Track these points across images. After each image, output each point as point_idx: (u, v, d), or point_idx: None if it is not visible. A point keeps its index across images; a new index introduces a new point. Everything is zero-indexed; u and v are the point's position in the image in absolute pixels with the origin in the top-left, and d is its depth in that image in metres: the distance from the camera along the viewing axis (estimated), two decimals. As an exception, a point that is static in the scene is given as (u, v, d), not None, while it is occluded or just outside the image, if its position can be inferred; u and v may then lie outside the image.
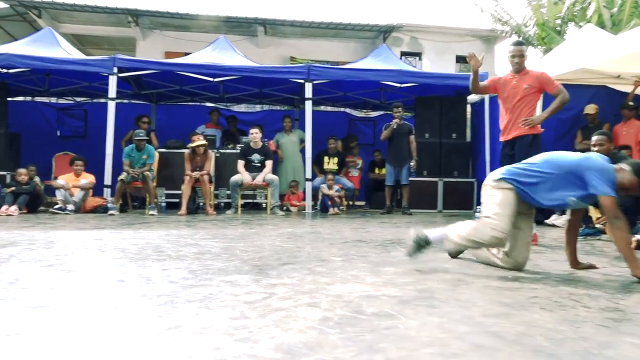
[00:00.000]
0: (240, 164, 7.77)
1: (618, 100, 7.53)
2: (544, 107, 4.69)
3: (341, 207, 8.33)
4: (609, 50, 6.08)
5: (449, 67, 15.17)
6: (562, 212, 6.29)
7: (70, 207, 7.19)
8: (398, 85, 9.00)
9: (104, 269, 2.85)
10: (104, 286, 2.39)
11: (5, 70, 7.84)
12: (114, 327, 1.74)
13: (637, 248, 4.13)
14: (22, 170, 7.27)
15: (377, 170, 9.57)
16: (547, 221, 6.30)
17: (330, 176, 8.22)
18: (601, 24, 11.80)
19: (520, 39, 14.38)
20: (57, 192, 7.28)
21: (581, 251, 4.00)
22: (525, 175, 2.99)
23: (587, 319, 1.94)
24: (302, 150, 8.69)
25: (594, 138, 4.92)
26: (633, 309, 2.11)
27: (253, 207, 8.68)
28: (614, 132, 7.16)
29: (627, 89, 7.65)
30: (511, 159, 4.39)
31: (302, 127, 8.72)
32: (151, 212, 7.05)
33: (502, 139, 4.75)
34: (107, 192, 7.55)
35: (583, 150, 6.90)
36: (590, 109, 7.17)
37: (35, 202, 7.41)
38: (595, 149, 4.87)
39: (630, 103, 7.11)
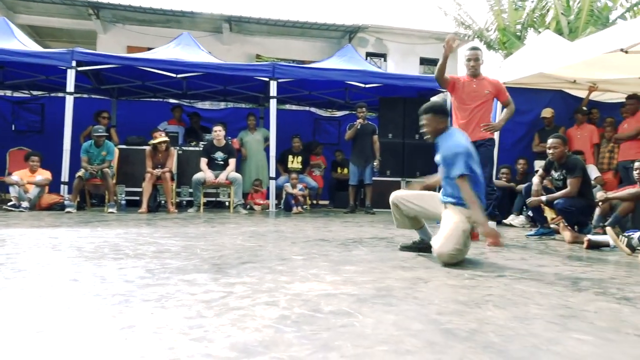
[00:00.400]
0: (203, 161, 7.67)
1: (574, 105, 7.80)
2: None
3: (305, 206, 8.34)
4: (565, 56, 6.28)
5: (413, 69, 15.38)
6: (519, 213, 6.47)
7: (25, 204, 6.96)
8: (363, 85, 9.07)
9: (58, 268, 2.77)
10: (56, 286, 2.32)
11: (-44, 61, 7.51)
12: (65, 328, 1.69)
13: (588, 247, 4.29)
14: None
15: (339, 170, 9.62)
16: (504, 221, 6.47)
17: (294, 175, 8.22)
18: (559, 31, 12.20)
19: (481, 43, 14.72)
20: (11, 189, 7.02)
21: (535, 250, 4.13)
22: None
23: (538, 316, 2.00)
24: (267, 149, 8.66)
25: (549, 141, 5.09)
26: (581, 306, 2.19)
27: (216, 206, 8.59)
28: (568, 135, 7.42)
29: (582, 94, 7.94)
30: None
31: (267, 126, 8.68)
32: (110, 210, 6.89)
33: None
34: (64, 189, 7.34)
35: (540, 153, 7.13)
36: (547, 112, 7.40)
37: (-13, 199, 7.14)
38: (550, 151, 5.04)
39: (584, 108, 7.37)
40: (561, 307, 2.16)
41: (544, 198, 5.05)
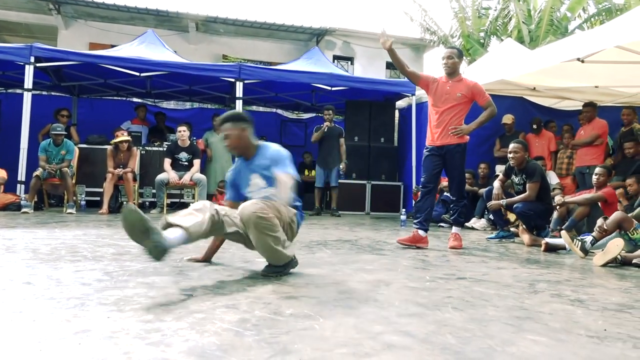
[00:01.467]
0: (167, 162, 7.54)
1: (533, 111, 8.03)
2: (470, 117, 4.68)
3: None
4: (525, 63, 6.46)
5: (380, 73, 15.51)
6: (481, 216, 6.61)
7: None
8: (329, 88, 9.09)
9: (11, 270, 2.67)
10: (8, 288, 2.24)
11: None
12: (16, 332, 1.63)
13: (545, 250, 4.42)
14: None
15: (306, 172, 9.61)
16: (467, 224, 6.59)
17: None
18: (520, 39, 12.54)
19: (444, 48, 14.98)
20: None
21: (495, 253, 4.23)
22: None
23: (494, 318, 2.04)
24: (232, 150, 8.57)
25: (510, 146, 5.22)
26: (536, 308, 2.25)
27: (180, 207, 8.44)
28: (527, 140, 7.64)
29: (542, 100, 8.19)
30: (434, 164, 4.49)
31: (233, 127, 8.59)
32: (69, 211, 6.70)
33: (428, 142, 4.61)
34: (20, 188, 7.09)
35: (501, 158, 7.31)
36: (508, 118, 7.58)
37: (-62, 198, 6.83)
38: (510, 156, 5.17)
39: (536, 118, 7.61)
40: (517, 308, 2.22)
41: (503, 202, 5.17)
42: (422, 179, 4.62)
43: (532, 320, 2.04)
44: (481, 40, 14.61)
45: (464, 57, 14.72)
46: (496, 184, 5.35)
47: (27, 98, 7.21)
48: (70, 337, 1.60)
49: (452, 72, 4.51)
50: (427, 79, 4.62)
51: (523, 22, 13.34)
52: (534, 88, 7.70)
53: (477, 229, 6.52)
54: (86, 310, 1.93)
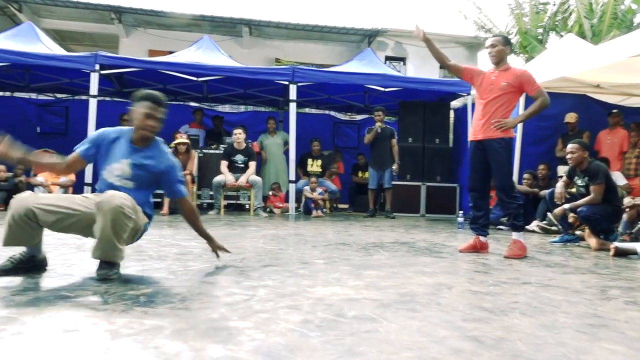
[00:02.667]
0: (224, 164, 7.72)
1: (597, 109, 7.68)
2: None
3: (324, 210, 8.33)
4: (588, 59, 6.18)
5: (433, 73, 15.26)
6: (542, 219, 6.38)
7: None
8: (382, 89, 9.03)
9: (83, 268, 2.80)
10: (82, 286, 2.35)
11: (-17, 65, 7.68)
12: (92, 328, 1.70)
13: (615, 255, 4.21)
14: (1, 167, 7.12)
15: (360, 174, 9.59)
16: (527, 227, 6.35)
17: (313, 179, 8.22)
18: (582, 34, 12.02)
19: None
20: (36, 190, 7.15)
21: (560, 257, 4.06)
22: None
23: (566, 325, 1.96)
24: (286, 152, 8.67)
25: (568, 146, 5.02)
26: (611, 316, 2.14)
27: (236, 208, 8.63)
28: (598, 138, 7.30)
29: (606, 98, 7.81)
30: (479, 161, 4.18)
31: (286, 129, 8.70)
32: (132, 212, 6.96)
33: (470, 137, 4.33)
34: (87, 190, 7.44)
35: (563, 158, 7.02)
36: (571, 117, 7.28)
37: (13, 200, 7.25)
38: (568, 156, 4.96)
39: (614, 110, 7.24)
40: (590, 316, 2.12)
41: (567, 206, 4.96)
42: (468, 181, 4.36)
43: (607, 328, 1.94)
44: (539, 37, 14.11)
45: (521, 55, 14.36)
46: (559, 184, 5.14)
47: (93, 104, 7.56)
48: (143, 333, 1.66)
49: (499, 60, 4.18)
50: (471, 71, 4.37)
51: (584, 16, 12.78)
52: (598, 85, 7.36)
53: (538, 232, 6.27)
54: (155, 307, 2.00)
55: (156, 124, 2.90)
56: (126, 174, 2.80)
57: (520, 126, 7.02)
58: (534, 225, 6.41)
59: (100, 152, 2.88)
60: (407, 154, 8.72)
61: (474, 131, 4.24)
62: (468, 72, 4.36)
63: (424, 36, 4.18)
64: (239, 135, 7.77)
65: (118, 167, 2.80)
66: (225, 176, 7.55)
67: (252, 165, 7.79)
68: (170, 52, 9.92)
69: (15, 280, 2.41)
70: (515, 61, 14.93)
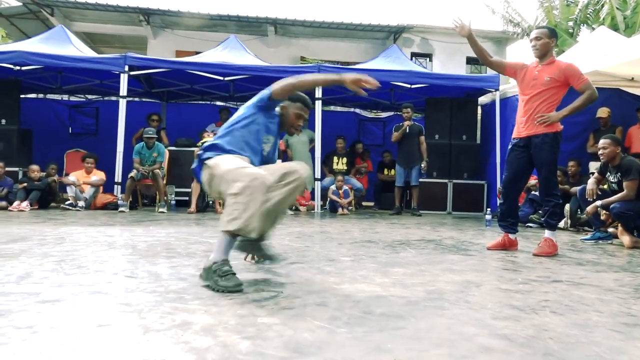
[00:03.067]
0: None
1: (632, 103, 7.47)
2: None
3: (350, 208, 8.32)
4: (622, 52, 6.03)
5: (460, 69, 15.11)
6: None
7: (81, 203, 7.25)
8: (408, 86, 8.97)
9: (114, 265, 2.86)
10: (114, 282, 2.40)
11: (18, 68, 7.91)
12: (125, 323, 1.74)
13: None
14: (34, 167, 7.32)
15: (386, 171, 9.54)
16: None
17: (340, 177, 8.21)
18: (614, 27, 11.71)
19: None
20: (68, 189, 7.33)
21: (592, 254, 3.97)
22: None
23: (599, 324, 1.92)
24: (312, 150, 8.69)
25: (600, 141, 4.90)
26: (645, 314, 2.08)
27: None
28: (629, 134, 7.10)
29: (641, 92, 7.60)
30: (517, 159, 4.05)
31: (312, 127, 8.71)
32: (161, 210, 7.09)
33: (513, 135, 4.16)
34: (117, 189, 7.60)
35: (595, 154, 6.85)
36: (603, 112, 7.11)
37: (47, 199, 7.46)
38: (600, 152, 4.84)
39: None
40: (624, 315, 2.07)
41: (599, 203, 4.84)
42: (504, 178, 4.26)
43: (642, 327, 1.89)
44: (570, 30, 13.82)
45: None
46: (591, 181, 5.02)
47: (123, 105, 7.71)
48: (174, 328, 1.69)
49: (543, 54, 3.98)
50: (514, 66, 4.19)
51: (617, 8, 12.45)
52: (632, 78, 7.18)
53: (569, 230, 6.15)
54: (185, 303, 2.03)
55: (303, 123, 3.21)
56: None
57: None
58: (562, 223, 6.27)
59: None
60: (433, 151, 8.64)
61: (517, 129, 4.11)
62: (510, 68, 4.20)
63: (468, 31, 3.97)
64: (265, 134, 7.81)
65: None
66: (251, 174, 7.60)
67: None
68: (197, 53, 10.05)
69: (50, 277, 2.48)
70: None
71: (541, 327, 1.83)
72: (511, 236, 4.13)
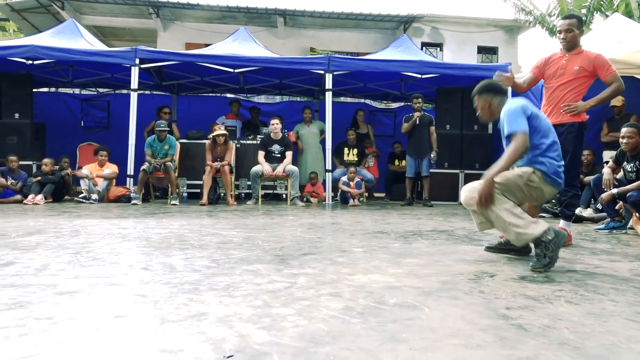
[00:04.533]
0: (261, 154, 7.80)
1: (646, 92, 7.36)
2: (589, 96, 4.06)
3: (361, 199, 8.31)
4: (637, 40, 5.94)
5: (471, 58, 14.97)
6: (587, 205, 6.20)
7: (94, 196, 7.32)
8: (419, 76, 8.91)
9: (129, 257, 2.89)
10: (130, 274, 2.43)
11: (30, 62, 7.96)
12: (141, 314, 1.76)
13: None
14: (47, 160, 7.39)
15: (397, 162, 9.51)
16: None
17: (352, 168, 8.20)
18: (629, 14, 11.52)
19: (543, 29, 14.11)
20: (82, 182, 7.40)
21: (606, 244, 3.94)
22: None
23: (615, 313, 1.91)
24: (322, 142, 8.69)
25: (623, 130, 4.82)
26: (661, 304, 2.07)
27: (273, 198, 8.72)
28: (640, 123, 7.00)
29: (656, 79, 7.48)
30: None
31: (322, 118, 8.70)
32: (173, 202, 7.14)
33: None
34: (130, 182, 7.66)
35: (609, 143, 6.78)
36: (617, 100, 7.01)
37: (61, 192, 7.54)
38: (624, 141, 4.77)
39: None
40: (639, 304, 2.06)
41: (615, 191, 4.79)
42: None
43: (658, 316, 1.88)
44: (583, 18, 13.58)
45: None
46: (606, 170, 4.97)
47: (134, 98, 7.75)
48: (189, 319, 1.71)
49: (573, 46, 3.94)
50: (540, 68, 4.13)
51: (631, -6, 12.23)
52: (647, 66, 7.06)
53: (586, 218, 6.07)
54: (199, 294, 2.05)
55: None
56: None
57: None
58: (578, 211, 6.20)
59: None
60: (444, 141, 8.59)
61: None
62: (539, 72, 4.15)
63: (512, 79, 3.91)
64: (275, 126, 7.83)
65: None
66: (262, 166, 7.63)
67: (289, 155, 7.84)
68: (207, 45, 10.07)
69: (67, 268, 2.51)
70: (557, 43, 14.47)
71: (556, 317, 1.83)
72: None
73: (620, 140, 4.82)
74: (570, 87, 3.90)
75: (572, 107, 3.86)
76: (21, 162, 7.46)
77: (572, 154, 3.86)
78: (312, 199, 8.22)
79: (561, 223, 3.97)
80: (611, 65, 3.88)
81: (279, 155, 7.84)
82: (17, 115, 8.15)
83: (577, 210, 6.07)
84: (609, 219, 5.08)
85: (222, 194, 7.97)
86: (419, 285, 2.30)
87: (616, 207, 5.00)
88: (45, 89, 10.40)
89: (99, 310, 1.79)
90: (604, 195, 4.89)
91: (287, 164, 7.71)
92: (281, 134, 7.95)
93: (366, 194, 8.90)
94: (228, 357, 1.37)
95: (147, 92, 10.43)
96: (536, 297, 2.12)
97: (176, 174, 7.64)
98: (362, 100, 11.61)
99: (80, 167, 8.06)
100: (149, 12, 13.82)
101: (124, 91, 9.73)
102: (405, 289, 2.21)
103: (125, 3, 13.23)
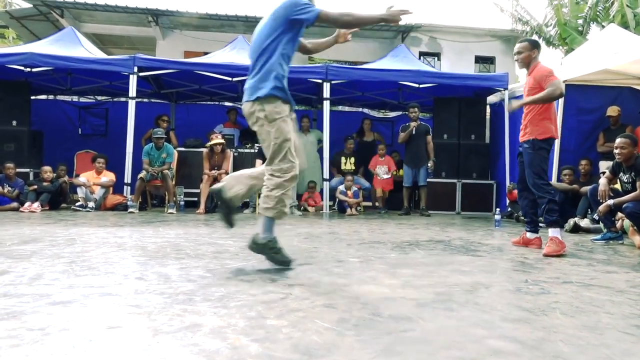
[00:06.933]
0: (259, 163, 7.78)
1: (642, 102, 7.40)
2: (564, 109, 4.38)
3: (359, 208, 8.31)
4: (632, 50, 5.96)
5: (468, 68, 15.04)
6: (584, 216, 6.20)
7: (91, 204, 7.29)
8: (417, 85, 8.95)
9: (124, 266, 2.88)
10: (124, 283, 2.41)
11: (28, 69, 7.97)
12: (134, 325, 1.75)
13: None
14: (46, 168, 7.37)
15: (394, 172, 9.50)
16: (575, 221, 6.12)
17: (349, 177, 8.19)
18: (624, 24, 11.60)
19: (540, 39, 14.19)
20: (79, 190, 7.38)
21: (602, 255, 3.94)
22: None
23: (610, 326, 1.90)
24: (320, 151, 8.69)
25: (617, 140, 4.83)
26: (657, 316, 2.06)
27: (270, 207, 8.67)
28: (637, 133, 7.02)
29: (652, 90, 7.51)
30: (522, 162, 4.33)
31: (320, 127, 8.71)
32: (170, 211, 7.12)
33: None
34: (127, 190, 7.64)
35: (605, 153, 6.79)
36: (613, 110, 7.04)
37: (57, 200, 7.51)
38: (617, 151, 4.79)
39: None
40: (635, 317, 2.05)
41: (611, 202, 4.80)
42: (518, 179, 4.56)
43: (654, 329, 1.87)
44: (579, 28, 13.71)
45: (560, 47, 13.96)
46: (602, 181, 4.97)
47: (132, 106, 7.76)
48: (183, 330, 1.70)
49: (525, 66, 4.31)
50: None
51: (627, 5, 12.33)
52: (643, 77, 7.10)
53: (583, 228, 6.05)
54: (194, 305, 2.04)
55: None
56: None
57: (560, 120, 6.88)
58: (572, 222, 6.20)
59: None
60: (442, 150, 8.61)
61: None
62: None
63: (520, 105, 4.28)
64: (273, 134, 7.81)
65: None
66: (260, 175, 7.61)
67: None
68: (206, 53, 10.08)
69: (61, 278, 2.50)
70: (554, 54, 14.55)
71: (551, 329, 1.82)
72: (528, 235, 4.34)
73: (614, 150, 4.83)
74: (528, 106, 4.24)
75: (508, 106, 4.34)
76: (18, 170, 7.45)
77: (528, 167, 4.20)
78: (309, 208, 8.21)
79: (550, 232, 4.01)
80: (551, 76, 4.12)
81: (276, 163, 7.83)
82: (14, 123, 8.14)
83: (575, 220, 6.07)
84: (605, 230, 5.08)
85: (219, 203, 7.95)
86: (414, 296, 2.30)
87: (615, 218, 4.99)
88: (43, 97, 10.40)
89: (92, 321, 1.78)
90: (600, 208, 4.89)
91: (284, 173, 7.70)
92: (279, 143, 7.94)
93: (377, 204, 8.82)
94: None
95: (145, 100, 10.43)
96: (531, 309, 2.11)
97: (173, 182, 7.63)
98: (360, 109, 11.64)
99: (77, 175, 8.05)
100: (148, 21, 13.85)
101: (122, 99, 9.73)
102: (400, 301, 2.21)
103: (125, 11, 13.27)
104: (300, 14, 2.89)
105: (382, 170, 8.74)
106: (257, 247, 2.91)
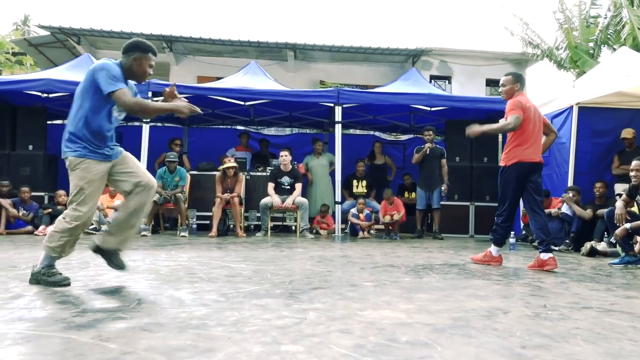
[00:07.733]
0: (270, 186, 7.81)
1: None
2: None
3: (371, 231, 8.26)
4: (646, 73, 5.94)
5: (479, 91, 15.05)
6: (600, 239, 6.09)
7: (105, 228, 7.32)
8: (428, 108, 8.97)
9: (138, 289, 2.87)
10: (137, 308, 2.40)
11: (45, 95, 8.12)
12: (148, 350, 1.73)
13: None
14: (61, 192, 7.45)
15: (406, 194, 9.47)
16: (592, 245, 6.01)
17: (361, 200, 8.16)
18: (636, 47, 11.58)
19: (551, 62, 14.20)
20: (92, 213, 7.41)
21: (621, 279, 3.86)
22: None
23: (633, 353, 1.85)
24: (332, 174, 8.70)
25: (633, 163, 4.79)
26: (682, 343, 2.01)
27: (282, 230, 8.68)
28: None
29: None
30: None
31: (332, 151, 8.73)
32: (182, 234, 7.13)
33: None
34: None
35: (620, 175, 6.71)
36: (628, 132, 6.98)
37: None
38: (633, 174, 4.74)
39: None
40: (659, 343, 2.00)
41: (628, 226, 4.73)
42: None
43: (679, 357, 1.82)
44: (590, 51, 13.70)
45: (572, 70, 13.95)
46: (619, 204, 4.91)
47: (146, 130, 7.85)
48: (197, 356, 1.68)
49: (509, 97, 4.58)
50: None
51: (638, 28, 12.33)
52: (657, 99, 7.05)
53: (600, 251, 5.94)
54: (208, 330, 2.02)
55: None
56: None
57: (573, 143, 6.88)
58: (589, 246, 6.09)
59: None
60: (455, 173, 8.57)
61: None
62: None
63: (479, 132, 4.76)
64: (285, 158, 7.87)
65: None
66: (272, 198, 7.63)
67: (299, 187, 7.85)
68: (219, 78, 10.22)
69: (75, 302, 2.49)
70: (565, 77, 14.55)
71: (572, 357, 1.78)
72: (542, 255, 4.30)
73: (630, 173, 4.78)
74: (508, 135, 4.58)
75: (468, 129, 4.78)
76: (33, 193, 7.52)
77: (500, 194, 4.76)
78: (321, 231, 8.19)
79: (490, 248, 4.76)
80: (512, 109, 4.37)
81: (288, 187, 7.86)
82: (30, 147, 8.27)
83: (592, 243, 5.96)
84: (623, 253, 4.99)
85: (231, 226, 7.96)
86: (430, 321, 2.26)
87: (633, 242, 4.91)
88: (59, 122, 10.55)
89: (102, 346, 1.77)
90: (617, 231, 4.82)
91: (296, 196, 7.71)
92: (291, 166, 7.98)
93: (391, 228, 8.56)
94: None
95: (159, 124, 10.55)
96: (552, 336, 2.06)
97: (186, 206, 7.66)
98: (372, 132, 11.67)
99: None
100: (162, 47, 14.10)
101: (136, 123, 9.85)
102: (416, 326, 2.17)
103: (140, 37, 13.53)
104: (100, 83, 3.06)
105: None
106: (33, 277, 3.01)
